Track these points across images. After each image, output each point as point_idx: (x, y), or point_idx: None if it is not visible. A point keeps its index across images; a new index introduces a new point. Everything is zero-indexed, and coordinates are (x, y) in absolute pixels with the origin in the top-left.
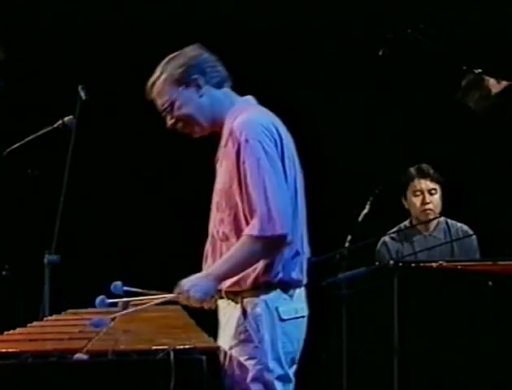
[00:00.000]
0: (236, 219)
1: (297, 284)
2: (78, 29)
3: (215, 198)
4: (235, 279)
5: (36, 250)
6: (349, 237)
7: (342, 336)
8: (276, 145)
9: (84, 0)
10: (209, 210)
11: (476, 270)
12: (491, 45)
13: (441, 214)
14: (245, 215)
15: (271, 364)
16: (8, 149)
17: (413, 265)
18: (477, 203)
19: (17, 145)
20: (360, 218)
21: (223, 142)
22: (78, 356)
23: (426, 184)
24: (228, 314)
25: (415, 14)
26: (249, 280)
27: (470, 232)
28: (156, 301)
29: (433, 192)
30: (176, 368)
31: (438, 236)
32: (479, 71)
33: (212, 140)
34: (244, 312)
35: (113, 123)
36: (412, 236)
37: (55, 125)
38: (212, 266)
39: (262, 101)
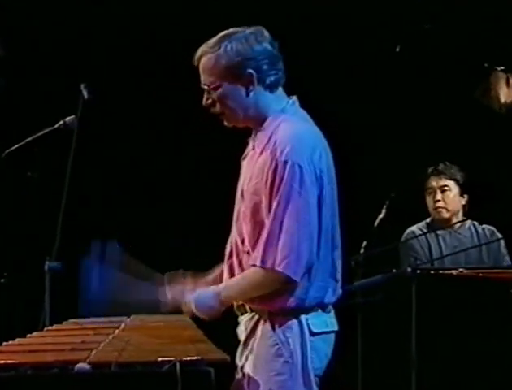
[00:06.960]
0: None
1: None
2: (80, 27)
3: (240, 205)
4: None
5: (37, 256)
6: (364, 243)
7: (357, 347)
8: (315, 171)
9: None
10: (211, 211)
11: (498, 278)
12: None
13: (467, 215)
14: None
15: (301, 380)
16: (7, 151)
17: (432, 272)
18: (502, 204)
19: (17, 146)
20: (376, 223)
21: (258, 144)
22: (80, 366)
23: (437, 181)
24: (252, 326)
25: (430, 11)
26: (280, 305)
27: (497, 232)
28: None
29: (445, 188)
30: (183, 381)
31: (464, 233)
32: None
33: (214, 140)
34: (272, 325)
35: (116, 122)
36: (438, 229)
37: (56, 125)
38: (226, 283)
39: None
